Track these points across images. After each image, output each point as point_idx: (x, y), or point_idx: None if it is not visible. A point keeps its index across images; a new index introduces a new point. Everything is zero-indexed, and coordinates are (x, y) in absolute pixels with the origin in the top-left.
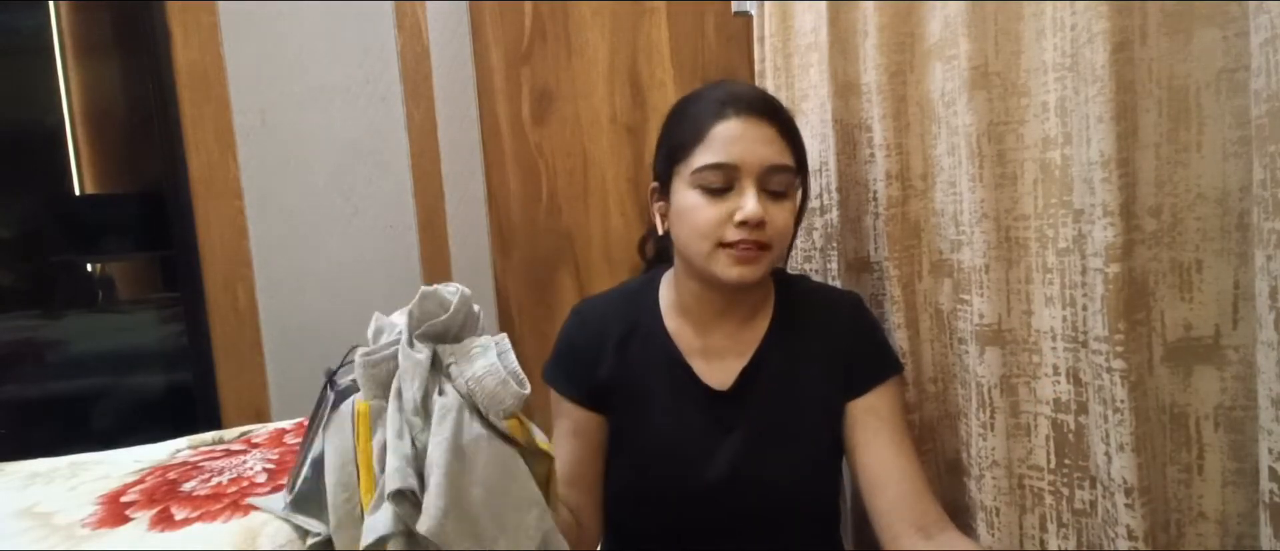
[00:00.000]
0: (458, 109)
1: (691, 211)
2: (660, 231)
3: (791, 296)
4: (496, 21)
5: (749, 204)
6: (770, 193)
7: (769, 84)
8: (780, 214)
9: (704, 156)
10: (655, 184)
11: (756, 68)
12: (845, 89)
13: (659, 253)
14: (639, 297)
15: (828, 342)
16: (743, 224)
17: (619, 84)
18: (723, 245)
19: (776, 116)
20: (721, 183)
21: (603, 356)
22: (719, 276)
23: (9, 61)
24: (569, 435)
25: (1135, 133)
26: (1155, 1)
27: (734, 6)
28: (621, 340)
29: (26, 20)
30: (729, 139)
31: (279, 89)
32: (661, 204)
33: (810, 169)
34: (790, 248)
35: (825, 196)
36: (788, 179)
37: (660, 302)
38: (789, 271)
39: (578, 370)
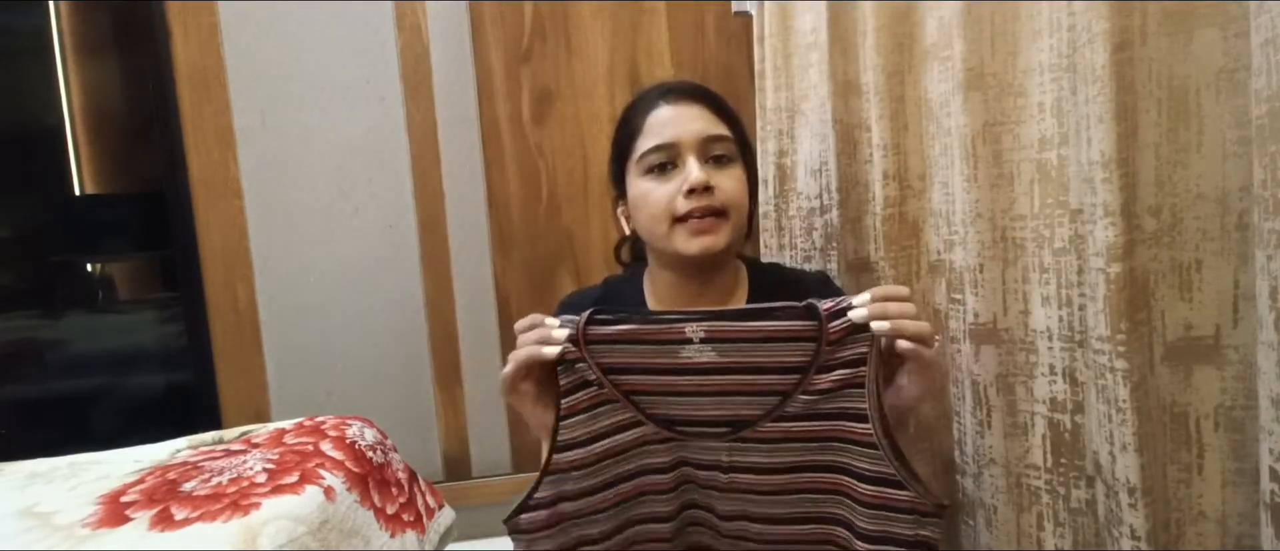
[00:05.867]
0: (458, 109)
1: (644, 196)
2: (626, 231)
3: (763, 279)
4: (496, 21)
5: (693, 171)
6: (714, 160)
7: (769, 84)
8: (727, 179)
9: (645, 143)
10: (614, 192)
11: (756, 68)
12: (845, 89)
13: (635, 254)
14: (624, 288)
15: None
16: (691, 192)
17: (619, 84)
18: (679, 221)
19: (706, 98)
20: (664, 159)
21: None
22: (682, 252)
23: (9, 61)
24: None
25: (1135, 133)
26: (1155, 1)
27: (734, 6)
28: None
29: (26, 20)
30: (663, 122)
31: (279, 89)
32: (623, 206)
33: (810, 169)
34: (752, 221)
35: (825, 196)
36: (728, 146)
37: (645, 292)
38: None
39: None
